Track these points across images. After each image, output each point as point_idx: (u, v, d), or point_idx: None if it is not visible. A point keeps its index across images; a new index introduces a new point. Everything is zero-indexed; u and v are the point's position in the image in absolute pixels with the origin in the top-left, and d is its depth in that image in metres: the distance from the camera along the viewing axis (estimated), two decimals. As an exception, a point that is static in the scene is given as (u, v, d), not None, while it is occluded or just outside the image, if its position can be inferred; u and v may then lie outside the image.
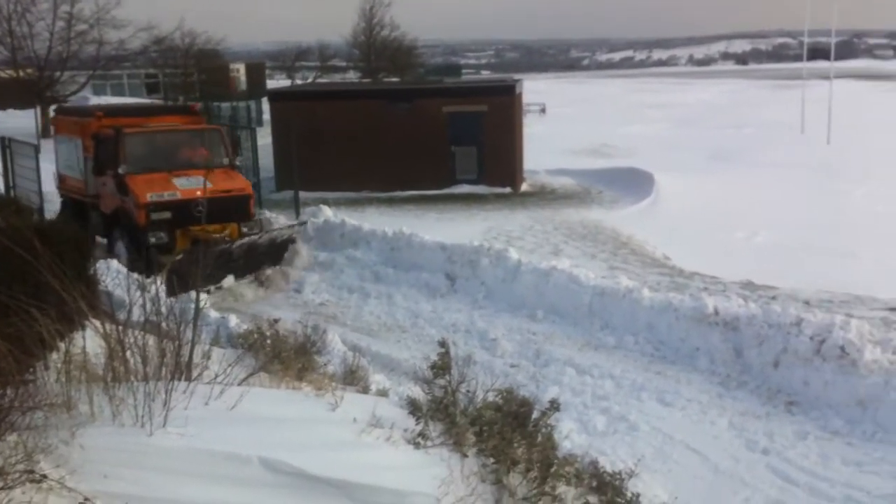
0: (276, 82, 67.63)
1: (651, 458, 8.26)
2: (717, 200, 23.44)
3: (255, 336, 6.61)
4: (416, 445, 5.37)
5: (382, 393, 6.83)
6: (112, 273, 12.54)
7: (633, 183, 25.86)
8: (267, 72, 76.81)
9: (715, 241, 19.10)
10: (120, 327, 5.42)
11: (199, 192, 15.63)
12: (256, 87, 64.79)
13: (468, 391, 6.23)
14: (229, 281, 15.31)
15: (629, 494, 5.82)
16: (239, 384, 5.62)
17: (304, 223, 18.06)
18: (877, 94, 64.71)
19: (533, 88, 54.26)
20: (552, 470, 5.60)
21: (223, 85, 59.55)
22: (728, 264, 16.30)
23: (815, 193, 24.55)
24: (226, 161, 17.41)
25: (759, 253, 18.12)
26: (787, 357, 10.06)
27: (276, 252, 16.64)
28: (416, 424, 5.53)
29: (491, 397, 6.16)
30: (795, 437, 8.80)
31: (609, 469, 6.23)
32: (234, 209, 16.35)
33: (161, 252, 15.15)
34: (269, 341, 6.53)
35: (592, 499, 5.76)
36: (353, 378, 7.24)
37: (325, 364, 7.28)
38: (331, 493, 4.76)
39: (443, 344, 6.16)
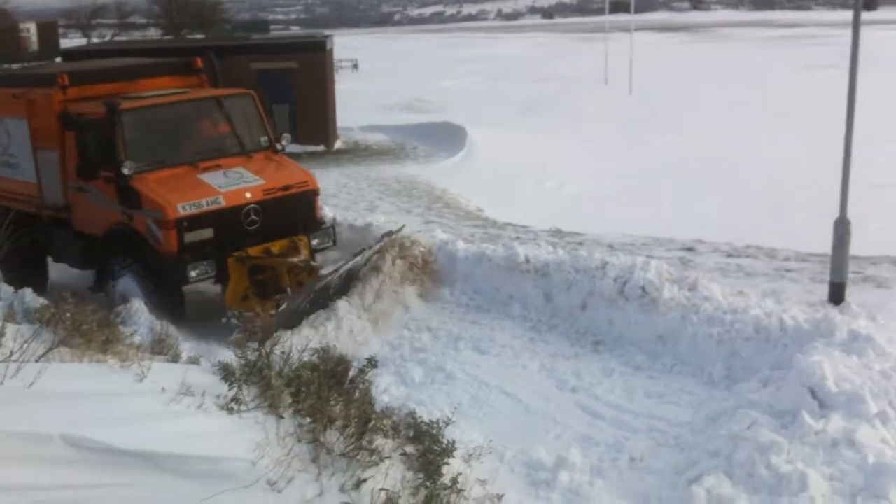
0: (71, 41, 63.91)
1: (467, 405, 8.50)
2: (527, 152, 24.11)
3: (52, 310, 6.32)
4: (230, 411, 5.32)
5: (193, 360, 6.69)
6: None
7: (447, 137, 26.21)
8: (60, 30, 72.41)
9: (526, 192, 19.69)
10: None
11: (248, 194, 11.03)
12: (49, 47, 60.98)
13: (283, 352, 6.21)
14: None
15: (445, 441, 5.97)
16: (37, 361, 5.38)
17: (401, 230, 12.19)
18: (675, 46, 67.98)
19: (344, 44, 53.70)
20: (369, 424, 5.66)
21: (12, 46, 55.76)
22: (538, 214, 16.84)
23: (618, 143, 25.66)
24: (264, 141, 12.31)
25: (567, 202, 18.82)
26: (594, 299, 10.52)
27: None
28: (229, 390, 5.47)
29: (307, 357, 6.17)
30: (602, 374, 9.26)
31: (426, 419, 6.37)
32: (297, 215, 11.54)
33: (180, 282, 10.69)
34: (68, 315, 6.25)
35: (410, 449, 5.87)
36: (161, 347, 7.06)
37: (131, 335, 7.07)
38: (140, 465, 4.65)
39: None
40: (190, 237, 10.56)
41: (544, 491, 6.56)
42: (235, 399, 5.39)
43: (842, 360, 7.72)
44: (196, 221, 10.60)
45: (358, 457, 5.38)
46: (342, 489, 5.06)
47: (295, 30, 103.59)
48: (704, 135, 25.91)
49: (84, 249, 11.79)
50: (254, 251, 10.95)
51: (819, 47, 52.57)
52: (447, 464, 5.78)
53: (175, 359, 6.81)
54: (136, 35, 64.63)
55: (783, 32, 66.79)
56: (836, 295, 10.66)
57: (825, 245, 11.04)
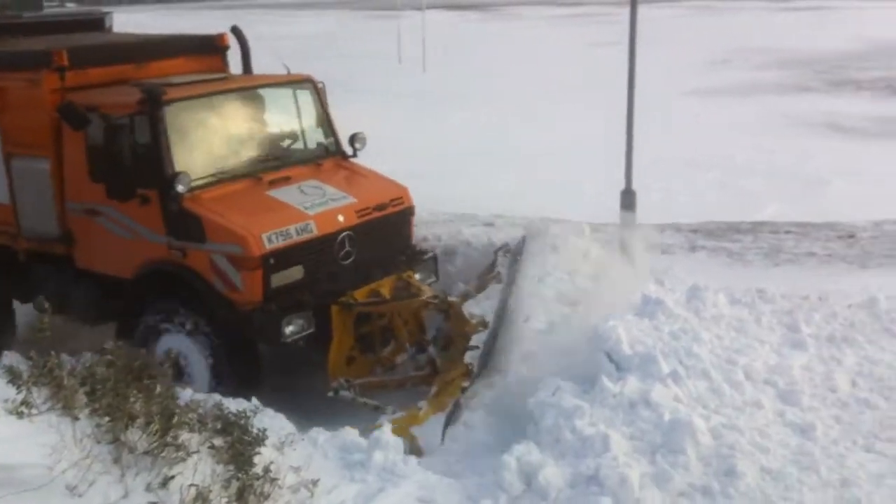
0: None
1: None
2: (326, 132, 23.83)
3: None
4: (20, 415, 5.04)
5: (-26, 365, 6.22)
6: None
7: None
8: None
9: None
10: None
11: (341, 217, 8.52)
12: None
13: (75, 351, 5.91)
14: None
15: (255, 431, 5.85)
16: None
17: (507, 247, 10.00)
18: (466, 24, 69.12)
19: (128, 21, 51.20)
20: (173, 420, 5.47)
21: None
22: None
23: (417, 121, 25.83)
24: (329, 142, 9.75)
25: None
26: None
27: None
28: (17, 393, 5.15)
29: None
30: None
31: (234, 409, 6.21)
32: (394, 242, 9.15)
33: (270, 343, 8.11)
34: None
35: (218, 441, 5.72)
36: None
37: None
38: (-80, 480, 4.28)
39: (40, 305, 5.74)
40: (278, 279, 7.94)
41: (359, 473, 6.53)
42: (25, 402, 5.09)
43: (635, 324, 8.10)
44: (284, 257, 7.96)
45: (163, 454, 5.20)
46: (148, 488, 4.88)
47: (70, 6, 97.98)
48: (500, 111, 26.51)
49: (96, 296, 8.66)
50: (359, 295, 8.40)
51: (603, 25, 54.94)
52: (258, 453, 5.68)
53: (-47, 364, 6.30)
54: None
55: (569, 11, 69.21)
56: (627, 262, 11.20)
57: (614, 215, 11.58)
